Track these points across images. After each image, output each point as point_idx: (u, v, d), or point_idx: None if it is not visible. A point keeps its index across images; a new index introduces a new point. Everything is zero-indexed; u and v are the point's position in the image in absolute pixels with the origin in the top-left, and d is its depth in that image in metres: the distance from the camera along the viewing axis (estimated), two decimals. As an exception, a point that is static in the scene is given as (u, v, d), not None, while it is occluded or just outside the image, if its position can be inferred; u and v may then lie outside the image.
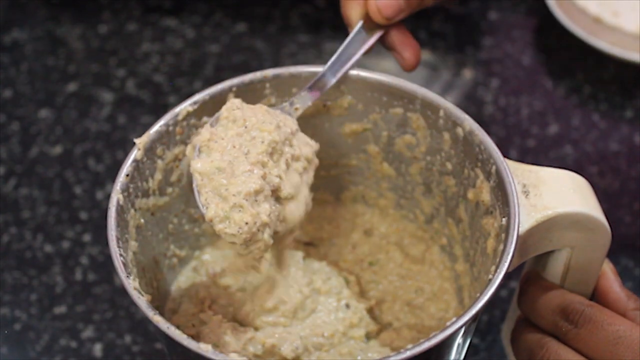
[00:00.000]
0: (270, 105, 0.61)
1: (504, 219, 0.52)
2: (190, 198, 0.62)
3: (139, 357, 0.71)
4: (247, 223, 0.51)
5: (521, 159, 0.57)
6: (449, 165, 0.60)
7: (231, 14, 1.01)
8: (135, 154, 0.56)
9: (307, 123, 0.62)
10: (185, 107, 0.58)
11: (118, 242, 0.52)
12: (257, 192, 0.52)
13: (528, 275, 0.58)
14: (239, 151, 0.53)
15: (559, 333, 0.53)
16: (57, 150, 0.87)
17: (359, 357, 0.57)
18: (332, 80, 0.58)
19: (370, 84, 0.60)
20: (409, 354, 0.46)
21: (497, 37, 0.98)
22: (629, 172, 0.84)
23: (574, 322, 0.52)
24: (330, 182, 0.67)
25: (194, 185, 0.53)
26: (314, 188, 0.67)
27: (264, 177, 0.52)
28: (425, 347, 0.46)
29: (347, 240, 0.66)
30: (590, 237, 0.54)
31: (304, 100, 0.58)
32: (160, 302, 0.59)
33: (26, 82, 0.94)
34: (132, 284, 0.50)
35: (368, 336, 0.59)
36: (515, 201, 0.52)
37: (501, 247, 0.51)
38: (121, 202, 0.54)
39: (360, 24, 0.59)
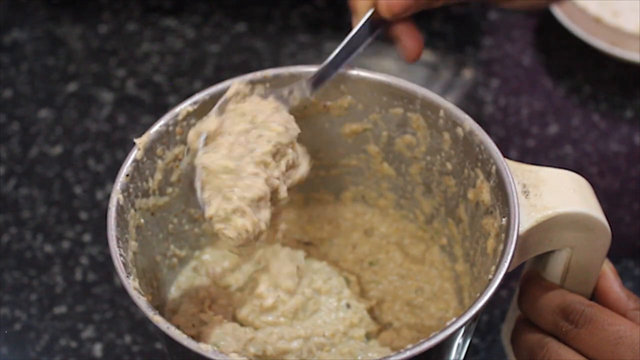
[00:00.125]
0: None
1: (504, 219, 0.52)
2: (190, 198, 0.62)
3: (139, 357, 0.71)
4: (247, 230, 0.51)
5: (521, 159, 0.57)
6: (449, 165, 0.60)
7: (231, 14, 1.01)
8: (135, 154, 0.56)
9: (307, 123, 0.62)
10: (185, 107, 0.58)
11: (118, 242, 0.52)
12: (260, 199, 0.52)
13: (528, 276, 0.58)
14: (245, 148, 0.52)
15: (559, 333, 0.53)
16: (57, 150, 0.87)
17: (359, 357, 0.57)
18: (334, 73, 0.58)
19: (371, 84, 0.60)
20: (408, 354, 0.46)
21: (497, 37, 0.98)
22: (629, 172, 0.84)
23: (574, 322, 0.52)
24: (330, 182, 0.67)
25: (196, 179, 0.52)
26: (314, 188, 0.67)
27: (267, 181, 0.52)
28: (425, 347, 0.46)
29: (347, 240, 0.66)
30: (590, 237, 0.54)
31: (302, 91, 0.58)
32: (160, 302, 0.59)
33: (26, 82, 0.94)
34: (132, 284, 0.50)
35: (368, 336, 0.59)
36: (515, 201, 0.52)
37: (501, 247, 0.51)
38: (121, 202, 0.54)
39: (368, 15, 0.59)
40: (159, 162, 0.57)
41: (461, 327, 0.47)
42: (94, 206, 0.82)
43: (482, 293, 0.49)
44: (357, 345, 0.58)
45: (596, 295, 0.57)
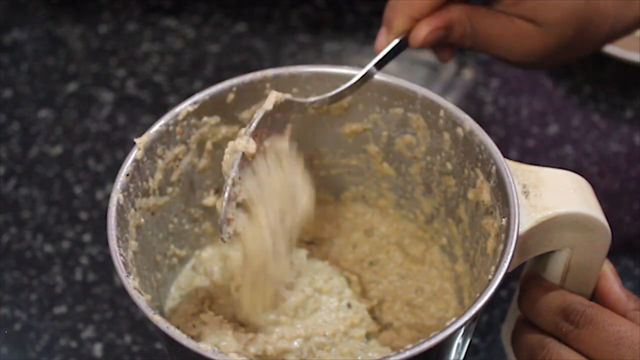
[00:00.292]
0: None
1: (504, 219, 0.52)
2: (190, 198, 0.62)
3: (139, 357, 0.71)
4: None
5: (521, 159, 0.57)
6: (449, 166, 0.60)
7: (231, 14, 1.01)
8: (135, 153, 0.56)
9: (308, 123, 0.62)
10: (185, 107, 0.58)
11: (118, 242, 0.52)
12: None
13: (528, 276, 0.58)
14: (277, 218, 0.55)
15: (559, 333, 0.53)
16: (57, 150, 0.87)
17: (359, 357, 0.57)
18: (356, 91, 0.59)
19: (371, 84, 0.60)
20: (408, 354, 0.46)
21: (497, 37, 0.98)
22: (629, 172, 0.84)
23: (574, 322, 0.52)
24: (330, 182, 0.67)
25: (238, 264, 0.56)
26: (314, 188, 0.67)
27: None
28: (425, 347, 0.46)
29: (347, 240, 0.66)
30: (590, 237, 0.54)
31: (322, 103, 0.59)
32: (160, 302, 0.59)
33: (26, 82, 0.94)
34: (132, 284, 0.50)
35: (368, 336, 0.59)
36: (515, 201, 0.52)
37: (501, 247, 0.51)
38: (121, 202, 0.54)
39: (396, 42, 0.60)
40: (159, 161, 0.57)
41: (461, 327, 0.47)
42: (94, 206, 0.82)
43: (481, 293, 0.49)
44: (357, 345, 0.58)
45: (596, 296, 0.57)
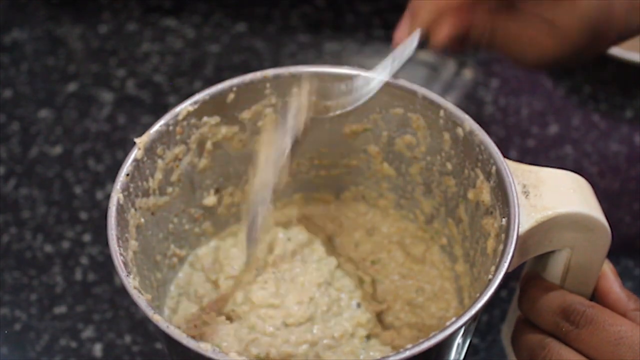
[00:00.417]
0: (272, 106, 0.61)
1: (503, 219, 0.52)
2: (190, 198, 0.62)
3: (139, 357, 0.71)
4: None
5: (521, 159, 0.57)
6: (449, 166, 0.60)
7: (231, 14, 1.01)
8: (135, 153, 0.56)
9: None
10: (185, 106, 0.58)
11: (118, 242, 0.52)
12: None
13: (528, 276, 0.58)
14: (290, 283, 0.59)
15: (559, 334, 0.53)
16: (57, 150, 0.87)
17: (361, 357, 0.57)
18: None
19: (371, 84, 0.60)
20: (408, 353, 0.46)
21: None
22: (629, 172, 0.84)
23: (575, 322, 0.52)
24: (331, 182, 0.67)
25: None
26: (314, 188, 0.67)
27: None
28: (425, 346, 0.46)
29: (349, 239, 0.66)
30: (590, 237, 0.54)
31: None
32: (160, 301, 0.59)
33: (26, 82, 0.94)
34: (132, 283, 0.50)
35: (369, 335, 0.59)
36: (515, 201, 0.52)
37: (501, 247, 0.51)
38: (121, 202, 0.54)
39: (416, 41, 0.59)
40: (159, 161, 0.57)
41: (461, 327, 0.47)
42: (94, 206, 0.82)
43: (481, 293, 0.49)
44: (358, 344, 0.58)
45: (596, 296, 0.57)
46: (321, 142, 0.64)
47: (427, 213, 0.64)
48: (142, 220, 0.56)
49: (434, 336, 0.47)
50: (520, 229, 0.51)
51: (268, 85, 0.60)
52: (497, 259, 0.50)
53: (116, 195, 0.54)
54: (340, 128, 0.63)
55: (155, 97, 0.92)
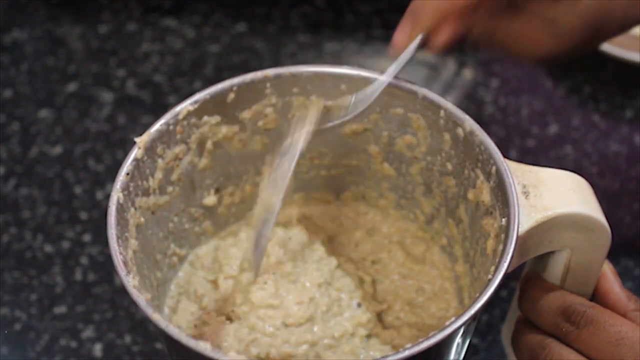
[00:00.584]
0: (272, 105, 0.61)
1: (503, 220, 0.52)
2: (190, 197, 0.62)
3: (139, 357, 0.71)
4: None
5: (521, 159, 0.57)
6: (449, 166, 0.60)
7: (231, 14, 1.01)
8: (135, 152, 0.56)
9: (307, 123, 0.62)
10: (185, 106, 0.58)
11: (118, 241, 0.52)
12: None
13: (528, 276, 0.58)
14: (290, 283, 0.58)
15: (559, 334, 0.53)
16: (57, 150, 0.87)
17: (361, 356, 0.57)
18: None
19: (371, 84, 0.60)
20: (407, 353, 0.46)
21: (497, 38, 0.98)
22: (629, 172, 0.84)
23: (575, 323, 0.52)
24: (331, 182, 0.67)
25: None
26: (314, 188, 0.67)
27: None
28: (424, 346, 0.46)
29: (350, 239, 0.66)
30: (590, 238, 0.54)
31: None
32: (160, 301, 0.59)
33: (26, 82, 0.94)
34: (131, 282, 0.50)
35: (368, 334, 0.59)
36: (515, 202, 0.52)
37: (501, 247, 0.51)
38: (121, 201, 0.54)
39: (417, 42, 0.59)
40: (160, 161, 0.57)
41: (460, 327, 0.47)
42: (94, 206, 0.82)
43: (481, 293, 0.48)
44: (358, 343, 0.58)
45: (596, 296, 0.57)
46: (321, 142, 0.64)
47: (427, 213, 0.64)
48: (142, 219, 0.56)
49: (433, 336, 0.47)
50: (520, 229, 0.51)
51: (268, 85, 0.60)
52: (497, 259, 0.50)
53: (116, 194, 0.54)
54: (340, 128, 0.63)
55: (155, 97, 0.92)
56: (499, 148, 0.55)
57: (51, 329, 0.73)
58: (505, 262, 0.50)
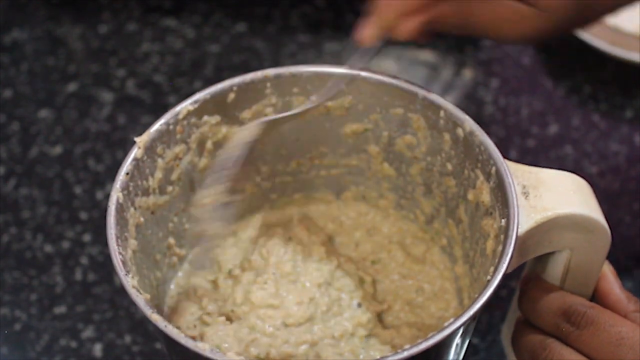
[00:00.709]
0: (272, 105, 0.61)
1: (503, 220, 0.52)
2: (190, 197, 0.62)
3: (139, 357, 0.71)
4: None
5: (521, 159, 0.57)
6: (449, 166, 0.60)
7: (231, 14, 1.01)
8: (135, 152, 0.56)
9: (308, 123, 0.62)
10: (185, 106, 0.58)
11: (117, 241, 0.52)
12: None
13: (528, 277, 0.58)
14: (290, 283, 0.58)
15: (560, 334, 0.53)
16: (57, 150, 0.87)
17: (361, 356, 0.57)
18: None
19: (371, 84, 0.60)
20: (406, 354, 0.46)
21: (497, 38, 0.98)
22: (629, 172, 0.84)
23: (575, 323, 0.52)
24: (331, 182, 0.67)
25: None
26: (315, 188, 0.67)
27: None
28: (423, 347, 0.46)
29: (350, 239, 0.66)
30: (590, 238, 0.54)
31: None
32: (159, 301, 0.59)
33: (26, 82, 0.94)
34: (130, 282, 0.50)
35: (369, 335, 0.59)
36: (515, 202, 0.52)
37: (500, 248, 0.51)
38: (121, 201, 0.54)
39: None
40: (159, 160, 0.57)
41: (459, 327, 0.47)
42: (94, 206, 0.82)
43: (480, 294, 0.48)
44: (358, 343, 0.58)
45: (596, 297, 0.57)
46: (321, 142, 0.64)
47: (427, 213, 0.64)
48: (142, 219, 0.56)
49: (432, 336, 0.47)
50: (519, 230, 0.51)
51: (268, 84, 0.60)
52: (497, 260, 0.50)
53: (116, 194, 0.54)
54: (340, 128, 0.63)
55: (155, 97, 0.92)
56: (499, 148, 0.55)
57: (51, 329, 0.73)
58: (504, 262, 0.50)
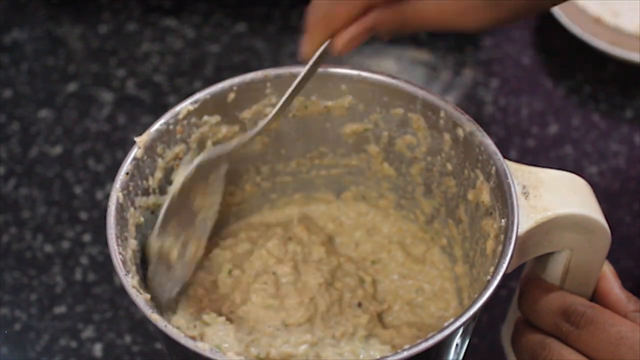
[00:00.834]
0: (272, 105, 0.61)
1: (503, 220, 0.52)
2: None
3: (139, 357, 0.71)
4: None
5: (521, 159, 0.57)
6: (449, 166, 0.60)
7: (231, 14, 1.01)
8: (135, 152, 0.56)
9: (308, 123, 0.62)
10: (185, 105, 0.58)
11: (117, 241, 0.52)
12: None
13: (528, 277, 0.58)
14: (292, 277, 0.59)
15: (560, 334, 0.53)
16: (57, 150, 0.87)
17: (361, 356, 0.57)
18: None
19: (371, 84, 0.60)
20: (406, 354, 0.46)
21: (497, 37, 0.98)
22: (629, 172, 0.84)
23: (575, 323, 0.52)
24: (331, 182, 0.67)
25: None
26: (314, 188, 0.67)
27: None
28: (423, 347, 0.46)
29: (350, 239, 0.66)
30: (590, 238, 0.54)
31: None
32: (159, 301, 0.59)
33: (26, 82, 0.94)
34: (130, 282, 0.50)
35: (369, 335, 0.59)
36: (515, 202, 0.52)
37: (500, 248, 0.51)
38: (121, 201, 0.54)
39: (323, 47, 0.57)
40: (159, 160, 0.57)
41: (459, 328, 0.47)
42: (94, 206, 0.82)
43: (480, 294, 0.49)
44: (358, 343, 0.58)
45: (596, 297, 0.57)
46: (322, 142, 0.64)
47: (427, 213, 0.64)
48: (142, 219, 0.56)
49: (432, 337, 0.47)
50: (519, 230, 0.51)
51: (269, 84, 0.60)
52: (496, 260, 0.50)
53: (116, 194, 0.54)
54: (340, 128, 0.63)
55: (155, 97, 0.92)
56: (499, 148, 0.55)
57: (51, 329, 0.73)
58: (504, 262, 0.50)
